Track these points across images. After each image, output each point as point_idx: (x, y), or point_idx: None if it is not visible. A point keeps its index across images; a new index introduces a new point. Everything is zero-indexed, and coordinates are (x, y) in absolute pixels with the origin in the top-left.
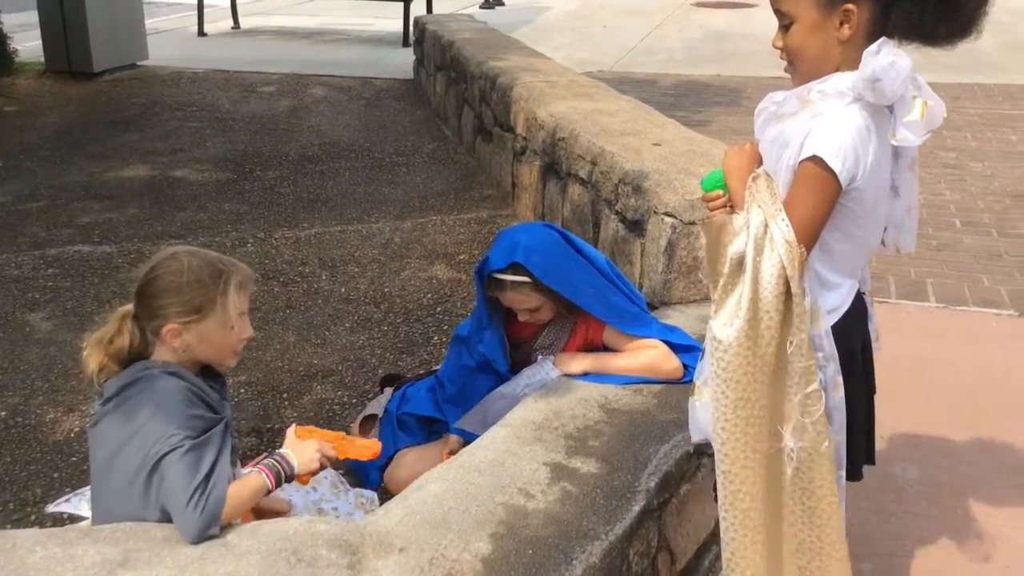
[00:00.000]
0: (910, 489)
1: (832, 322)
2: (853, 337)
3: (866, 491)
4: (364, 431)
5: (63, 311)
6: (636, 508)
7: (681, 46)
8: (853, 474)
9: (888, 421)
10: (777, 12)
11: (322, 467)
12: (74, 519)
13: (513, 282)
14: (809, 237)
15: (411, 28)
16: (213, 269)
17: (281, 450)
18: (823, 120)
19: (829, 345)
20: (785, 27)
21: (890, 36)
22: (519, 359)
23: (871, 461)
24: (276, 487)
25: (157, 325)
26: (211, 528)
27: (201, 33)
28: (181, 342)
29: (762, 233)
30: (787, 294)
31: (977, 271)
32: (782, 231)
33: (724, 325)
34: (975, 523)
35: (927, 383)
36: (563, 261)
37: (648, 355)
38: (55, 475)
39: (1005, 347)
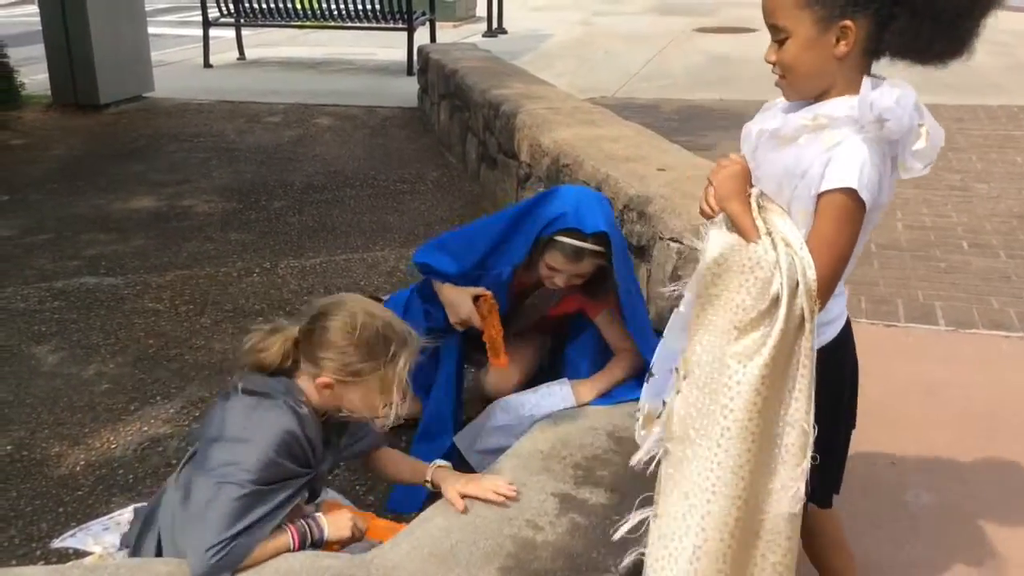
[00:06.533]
0: (923, 515)
1: (834, 335)
2: (845, 364)
3: (879, 518)
4: None
5: (69, 344)
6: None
7: (684, 71)
8: (823, 501)
9: (899, 446)
10: (771, 27)
11: (353, 537)
12: (79, 554)
13: (593, 251)
14: (842, 271)
15: (415, 57)
16: (385, 338)
17: (316, 513)
18: (844, 150)
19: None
20: (779, 41)
21: (883, 53)
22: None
23: (838, 490)
24: (299, 548)
25: (313, 371)
26: (221, 574)
27: (207, 65)
28: (331, 392)
29: (794, 278)
30: (800, 342)
31: (986, 293)
32: (807, 281)
33: (742, 356)
34: (989, 548)
35: (938, 407)
36: (624, 246)
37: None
38: (60, 510)
39: (1015, 369)
